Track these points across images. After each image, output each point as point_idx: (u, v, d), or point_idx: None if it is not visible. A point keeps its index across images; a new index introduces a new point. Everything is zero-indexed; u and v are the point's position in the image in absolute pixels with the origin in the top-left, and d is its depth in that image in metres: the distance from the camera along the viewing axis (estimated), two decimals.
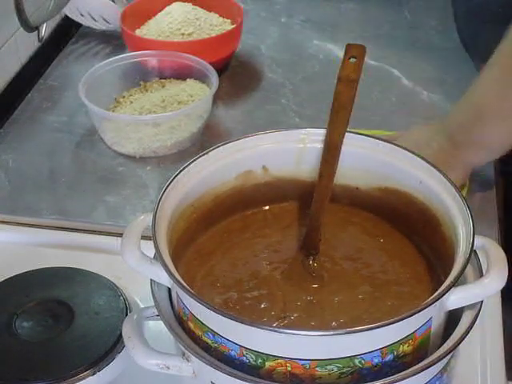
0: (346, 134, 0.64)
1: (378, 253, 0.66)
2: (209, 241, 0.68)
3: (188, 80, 1.08)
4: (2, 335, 0.73)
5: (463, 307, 0.58)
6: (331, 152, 0.64)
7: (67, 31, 1.28)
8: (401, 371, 0.54)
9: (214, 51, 1.12)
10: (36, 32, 1.07)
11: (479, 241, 0.59)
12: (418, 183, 0.64)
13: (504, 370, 0.71)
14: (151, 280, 0.61)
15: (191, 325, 0.58)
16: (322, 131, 0.66)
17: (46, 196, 0.95)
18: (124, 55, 1.10)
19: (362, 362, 0.54)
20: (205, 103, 1.02)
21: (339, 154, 0.64)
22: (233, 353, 0.55)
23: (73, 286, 0.78)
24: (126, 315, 0.73)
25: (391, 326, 0.52)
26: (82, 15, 1.26)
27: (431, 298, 0.54)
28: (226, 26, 1.18)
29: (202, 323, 0.56)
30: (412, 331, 0.55)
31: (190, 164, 0.65)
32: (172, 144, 1.00)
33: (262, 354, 0.54)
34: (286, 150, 0.68)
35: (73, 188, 0.96)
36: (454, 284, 0.55)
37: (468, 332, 0.56)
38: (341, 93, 0.62)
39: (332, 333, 0.53)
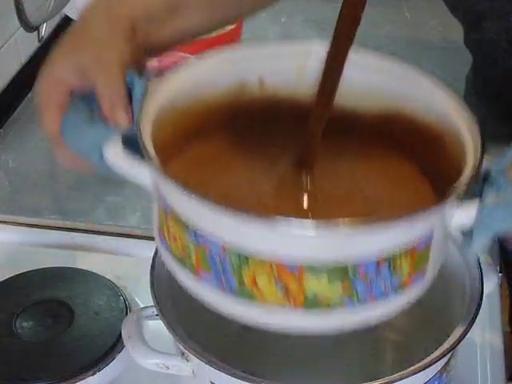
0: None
1: (378, 175, 0.61)
2: (200, 152, 0.61)
3: None
4: (2, 335, 0.73)
5: (462, 306, 0.58)
6: (334, 66, 0.57)
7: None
8: (396, 289, 0.51)
9: None
10: (36, 32, 1.07)
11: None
12: (425, 103, 0.60)
13: (504, 370, 0.71)
14: (151, 280, 0.61)
15: (171, 224, 0.51)
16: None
17: (46, 196, 0.95)
18: None
19: (356, 270, 0.49)
20: None
21: (342, 69, 0.57)
22: (215, 255, 0.49)
23: (73, 286, 0.78)
24: (126, 315, 0.73)
25: (390, 228, 0.47)
26: None
27: (435, 203, 0.50)
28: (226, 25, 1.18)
29: (183, 221, 0.49)
30: (412, 240, 0.50)
31: (181, 66, 0.59)
32: None
33: (246, 253, 0.48)
34: (286, 65, 0.62)
35: (73, 188, 0.96)
36: (461, 191, 0.50)
37: (467, 332, 0.56)
38: (349, 2, 0.54)
39: (326, 224, 0.46)
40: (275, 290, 0.48)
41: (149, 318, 0.63)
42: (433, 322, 0.67)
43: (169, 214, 0.51)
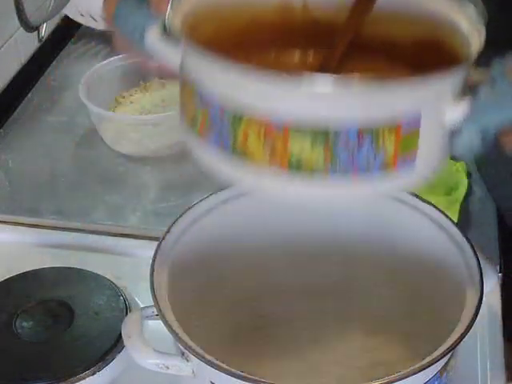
0: None
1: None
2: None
3: None
4: (2, 335, 0.73)
5: (462, 306, 0.58)
6: None
7: (67, 31, 1.28)
8: (381, 167, 0.51)
9: None
10: (36, 32, 1.07)
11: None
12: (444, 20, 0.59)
13: (504, 370, 0.71)
14: (151, 280, 0.61)
15: (185, 95, 0.56)
16: None
17: (46, 196, 0.95)
18: (124, 55, 1.10)
19: (337, 134, 0.50)
20: None
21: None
22: (214, 116, 0.53)
23: (73, 286, 0.78)
24: (126, 315, 0.73)
25: (370, 92, 0.49)
26: (82, 15, 1.26)
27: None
28: None
29: (193, 86, 0.54)
30: (395, 116, 0.50)
31: None
32: (172, 144, 1.00)
33: (240, 112, 0.51)
34: None
35: (73, 188, 0.96)
36: (453, 72, 0.51)
37: (467, 332, 0.56)
38: None
39: (310, 80, 0.49)
40: (263, 150, 0.51)
41: (149, 317, 0.63)
42: (433, 322, 0.67)
43: (185, 86, 0.56)
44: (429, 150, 0.53)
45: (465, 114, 0.52)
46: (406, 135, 0.51)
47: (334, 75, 0.52)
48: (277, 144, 0.51)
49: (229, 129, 0.52)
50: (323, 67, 0.61)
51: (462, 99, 0.52)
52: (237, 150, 0.53)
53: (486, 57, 0.53)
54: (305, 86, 0.49)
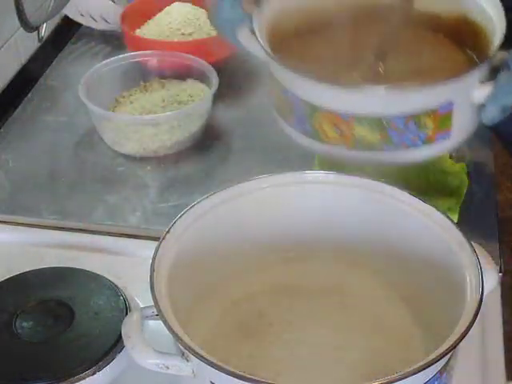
0: None
1: (439, 62, 0.78)
2: (306, 44, 0.80)
3: (188, 80, 1.08)
4: (2, 335, 0.73)
5: (462, 306, 0.58)
6: None
7: (67, 31, 1.28)
8: (424, 141, 0.70)
9: (214, 51, 1.12)
10: (36, 32, 1.07)
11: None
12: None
13: (504, 370, 0.71)
14: (151, 280, 0.61)
15: (274, 88, 0.75)
16: None
17: (46, 196, 0.95)
18: (124, 55, 1.10)
19: (389, 123, 0.68)
20: (205, 103, 1.02)
21: None
22: (296, 107, 0.72)
23: (73, 286, 0.78)
24: (126, 315, 0.73)
25: (415, 94, 0.67)
26: (82, 15, 1.26)
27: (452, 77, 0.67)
28: None
29: (281, 83, 0.73)
30: (433, 106, 0.68)
31: None
32: (172, 144, 1.00)
33: (315, 107, 0.70)
34: None
35: (73, 188, 0.96)
36: (482, 63, 0.68)
37: (467, 332, 0.56)
38: None
39: (368, 87, 0.68)
40: (334, 134, 0.71)
41: (149, 317, 0.63)
42: (433, 322, 0.67)
43: (272, 78, 0.75)
44: (460, 123, 0.71)
45: (488, 95, 0.68)
46: (441, 117, 0.69)
47: (385, 84, 0.71)
48: (344, 130, 0.70)
49: (307, 117, 0.72)
50: (382, 45, 0.75)
51: (486, 83, 0.68)
52: (313, 132, 0.72)
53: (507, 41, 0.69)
54: (363, 93, 0.69)
